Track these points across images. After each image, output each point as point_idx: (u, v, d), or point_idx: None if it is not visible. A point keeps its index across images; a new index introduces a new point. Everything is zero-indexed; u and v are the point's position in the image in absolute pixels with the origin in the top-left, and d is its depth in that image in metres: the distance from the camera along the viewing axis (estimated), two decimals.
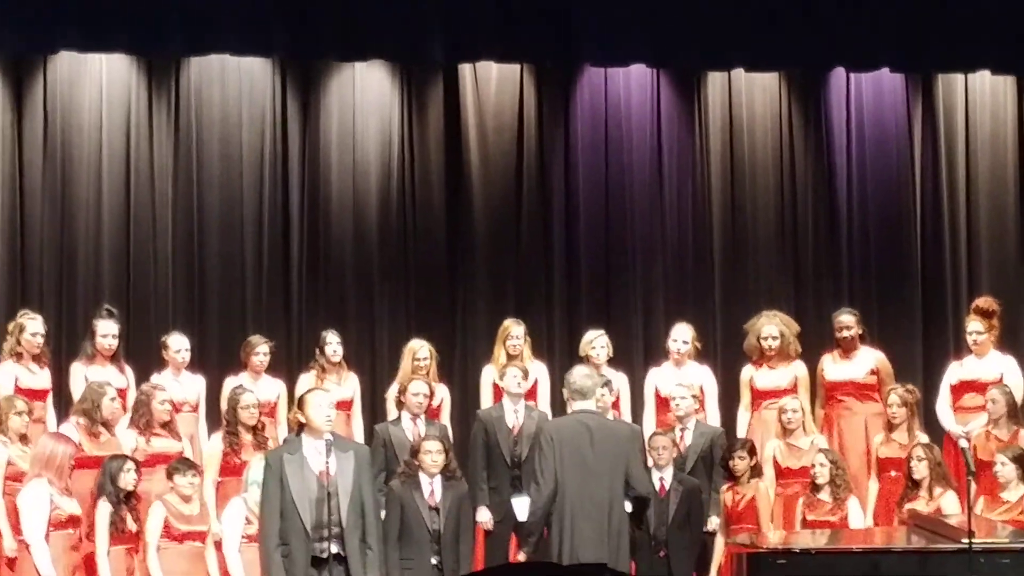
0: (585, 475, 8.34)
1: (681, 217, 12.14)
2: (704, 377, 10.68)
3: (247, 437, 9.83)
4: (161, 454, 9.59)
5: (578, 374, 8.70)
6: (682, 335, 10.65)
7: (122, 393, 10.04)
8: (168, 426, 9.78)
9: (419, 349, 10.49)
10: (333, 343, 10.58)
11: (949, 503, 9.48)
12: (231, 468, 9.76)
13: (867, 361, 10.71)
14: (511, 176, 12.01)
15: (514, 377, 9.95)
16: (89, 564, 9.07)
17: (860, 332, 10.73)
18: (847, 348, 10.69)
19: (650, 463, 9.55)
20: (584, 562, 8.26)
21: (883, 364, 10.72)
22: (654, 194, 12.08)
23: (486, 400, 10.51)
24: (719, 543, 9.74)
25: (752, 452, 9.93)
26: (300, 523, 8.01)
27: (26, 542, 8.84)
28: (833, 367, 10.75)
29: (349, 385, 10.64)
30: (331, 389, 9.71)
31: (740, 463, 9.80)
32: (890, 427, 10.18)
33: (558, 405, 10.34)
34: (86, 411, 9.59)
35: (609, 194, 12.04)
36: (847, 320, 10.70)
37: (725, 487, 9.88)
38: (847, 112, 12.27)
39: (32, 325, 10.02)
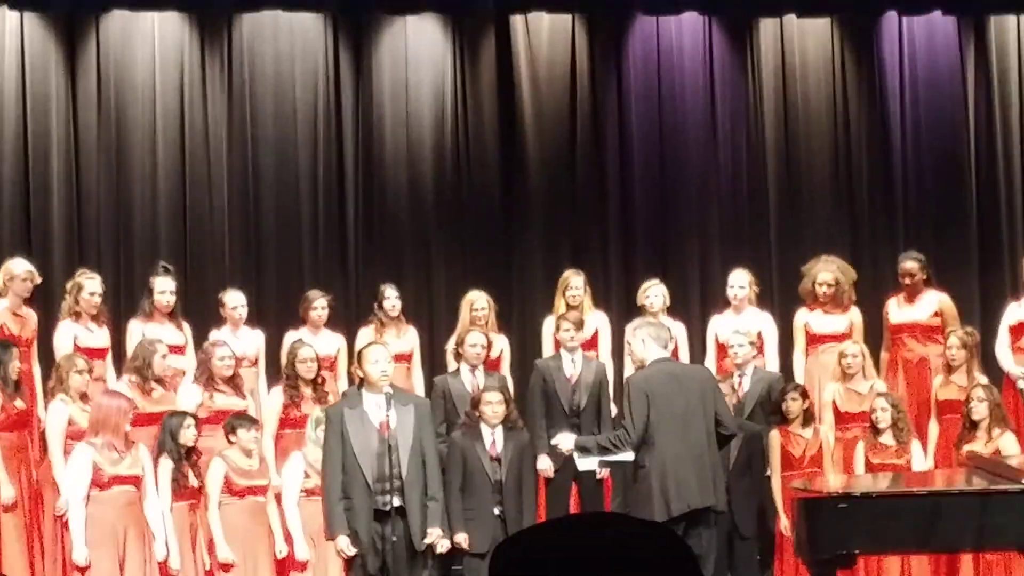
0: (684, 423, 8.35)
1: (735, 165, 12.06)
2: (763, 323, 10.60)
3: (307, 391, 9.77)
4: (225, 410, 9.53)
5: (649, 324, 8.81)
6: (739, 280, 10.59)
7: (180, 350, 10.05)
8: (231, 382, 9.74)
9: (476, 300, 10.45)
10: (392, 297, 10.55)
11: (1008, 444, 9.40)
12: (291, 422, 9.73)
13: (931, 303, 10.64)
14: (565, 127, 11.95)
15: (567, 331, 9.92)
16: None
17: (925, 276, 10.65)
18: (912, 292, 10.61)
19: None
20: (693, 507, 8.25)
21: (947, 306, 10.63)
22: (708, 142, 12.01)
23: (548, 350, 10.46)
24: (776, 488, 9.65)
25: (805, 395, 9.79)
26: (362, 477, 8.11)
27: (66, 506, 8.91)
28: (898, 310, 10.67)
29: (408, 338, 10.61)
30: (390, 343, 9.70)
31: (793, 404, 9.66)
32: (949, 369, 10.11)
33: (617, 354, 10.43)
34: (137, 368, 9.57)
35: (663, 143, 11.99)
36: (912, 266, 10.60)
37: (777, 429, 9.76)
38: (900, 56, 12.19)
39: (90, 284, 9.99)
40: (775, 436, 9.70)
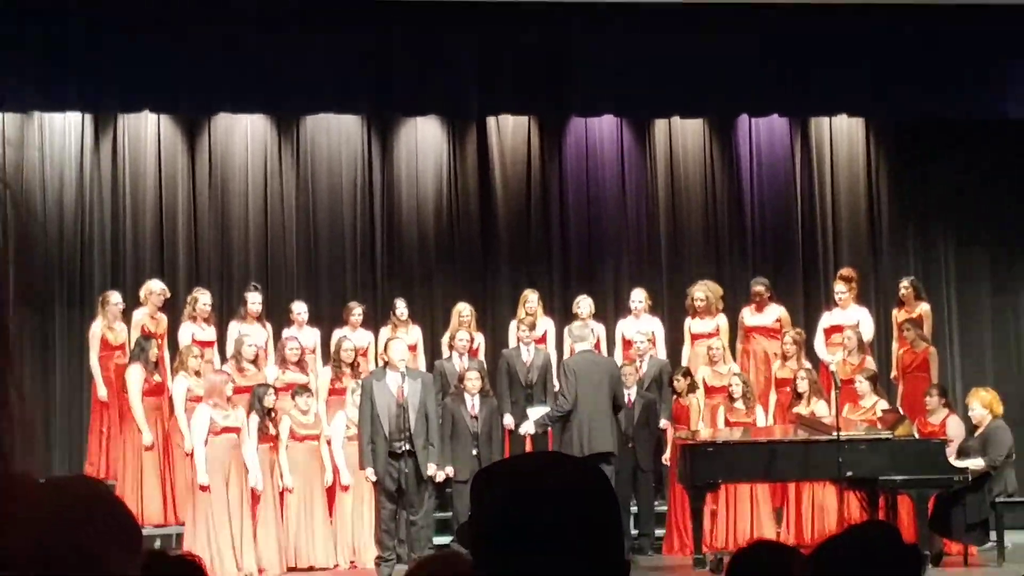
0: (596, 393, 8.37)
1: (639, 219, 11.72)
2: (655, 326, 10.45)
3: (347, 371, 9.64)
4: (293, 383, 9.41)
5: (576, 327, 9.00)
6: (639, 296, 10.44)
7: (264, 343, 9.92)
8: (298, 364, 9.63)
9: (463, 309, 10.32)
10: (401, 307, 10.35)
11: (822, 408, 9.31)
12: (336, 391, 9.60)
13: (773, 313, 10.59)
14: (523, 196, 11.68)
15: (524, 331, 9.87)
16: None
17: (769, 294, 10.60)
18: (760, 305, 10.56)
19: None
20: (598, 451, 8.21)
21: (784, 315, 10.58)
22: (619, 205, 11.69)
23: (512, 344, 10.28)
24: (670, 437, 9.58)
25: (687, 375, 9.79)
26: (382, 430, 8.06)
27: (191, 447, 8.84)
28: (750, 317, 10.56)
29: (414, 335, 10.40)
30: (403, 338, 9.57)
31: (680, 383, 9.69)
32: (784, 357, 10.00)
33: (558, 347, 10.35)
34: (235, 355, 9.56)
35: (590, 206, 11.65)
36: (759, 288, 10.55)
37: (672, 399, 9.75)
38: (751, 146, 11.83)
39: (203, 297, 9.98)
40: (670, 402, 9.70)
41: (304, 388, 9.24)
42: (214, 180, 11.25)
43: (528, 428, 9.14)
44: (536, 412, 9.34)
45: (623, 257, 11.71)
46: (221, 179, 11.28)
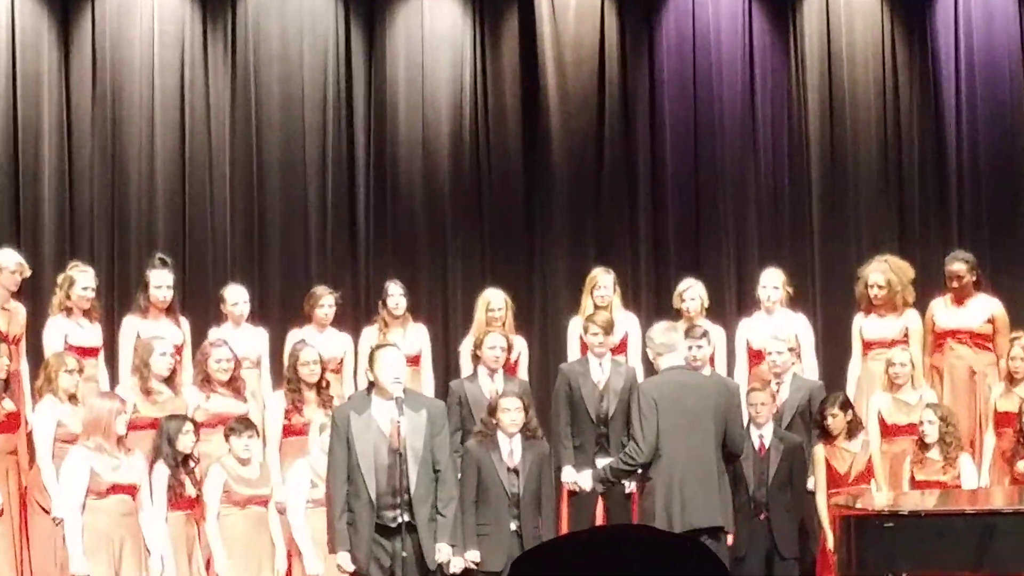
0: (691, 436, 8.36)
1: (776, 155, 12.04)
2: (798, 326, 10.53)
3: (310, 395, 9.76)
4: (223, 414, 9.56)
5: (659, 329, 8.75)
6: (772, 280, 10.53)
7: (178, 349, 10.00)
8: (231, 384, 9.74)
9: (493, 299, 10.42)
10: (396, 295, 10.53)
11: None
12: (294, 428, 9.72)
13: (983, 308, 10.46)
14: (592, 113, 11.92)
15: (595, 334, 9.88)
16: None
17: (975, 278, 10.47)
18: (960, 295, 10.44)
19: (746, 420, 9.40)
20: (698, 527, 8.23)
21: (1000, 313, 10.46)
22: (746, 131, 11.99)
23: (573, 354, 10.44)
24: (821, 504, 9.65)
25: (845, 407, 9.71)
26: (365, 491, 8.06)
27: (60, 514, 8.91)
28: (945, 313, 10.49)
29: (415, 338, 10.60)
30: (398, 344, 9.52)
31: (834, 421, 9.59)
32: (1011, 379, 9.97)
33: (648, 359, 10.18)
34: (137, 368, 9.57)
35: (697, 131, 11.98)
36: (959, 268, 10.42)
37: (826, 446, 9.74)
38: (955, 38, 12.07)
39: (82, 278, 9.99)
40: (819, 451, 9.65)
41: (244, 423, 9.31)
42: (99, 89, 11.39)
43: (584, 482, 9.11)
44: (586, 479, 9.13)
45: (751, 216, 11.98)
46: (110, 88, 11.42)
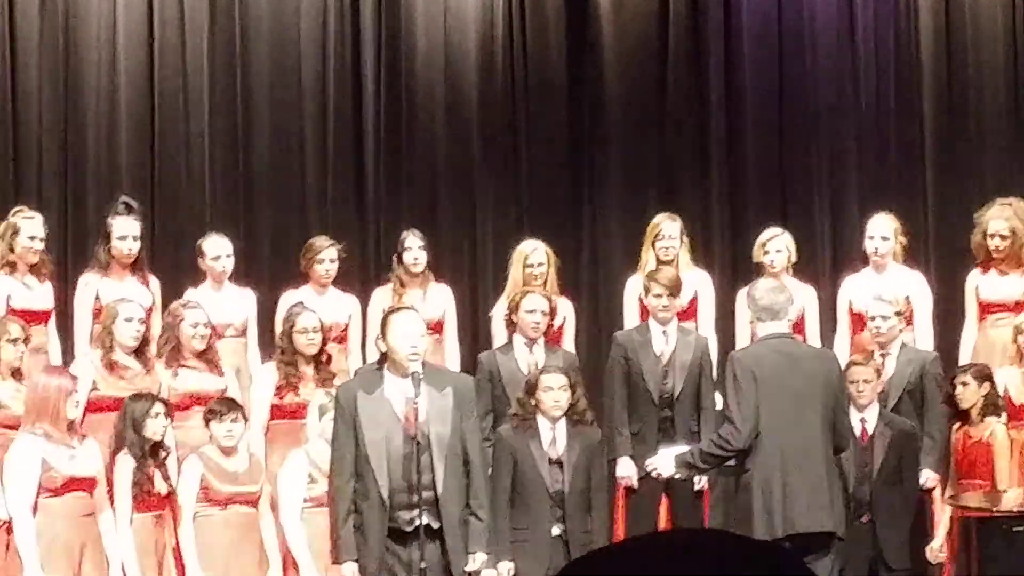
0: (797, 419, 8.40)
1: (880, 79, 12.02)
2: (913, 286, 10.61)
3: (307, 370, 9.79)
4: (198, 393, 9.62)
5: (764, 288, 8.83)
6: (881, 230, 10.55)
7: (148, 313, 9.99)
8: (205, 357, 9.79)
9: (533, 253, 10.50)
10: (414, 247, 10.61)
11: None
12: (287, 410, 9.75)
13: None
14: (653, 21, 11.98)
15: (658, 296, 9.94)
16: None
17: None
18: None
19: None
20: (803, 531, 8.31)
21: None
22: (844, 50, 12.01)
23: (630, 320, 10.45)
24: (938, 503, 9.73)
25: (983, 378, 9.72)
26: (375, 487, 8.08)
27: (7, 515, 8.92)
28: None
29: (438, 301, 10.69)
30: (416, 307, 9.51)
31: (964, 391, 9.61)
32: None
33: (723, 327, 10.68)
34: (99, 337, 9.63)
35: (783, 48, 12.09)
36: None
37: (956, 427, 9.73)
38: None
39: (28, 226, 10.03)
40: (954, 437, 9.68)
41: (227, 403, 9.35)
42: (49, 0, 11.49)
43: (664, 466, 9.00)
44: (666, 461, 9.08)
45: (849, 153, 11.92)
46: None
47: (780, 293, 8.81)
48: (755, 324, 8.82)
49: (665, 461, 8.92)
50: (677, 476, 8.95)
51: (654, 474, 9.19)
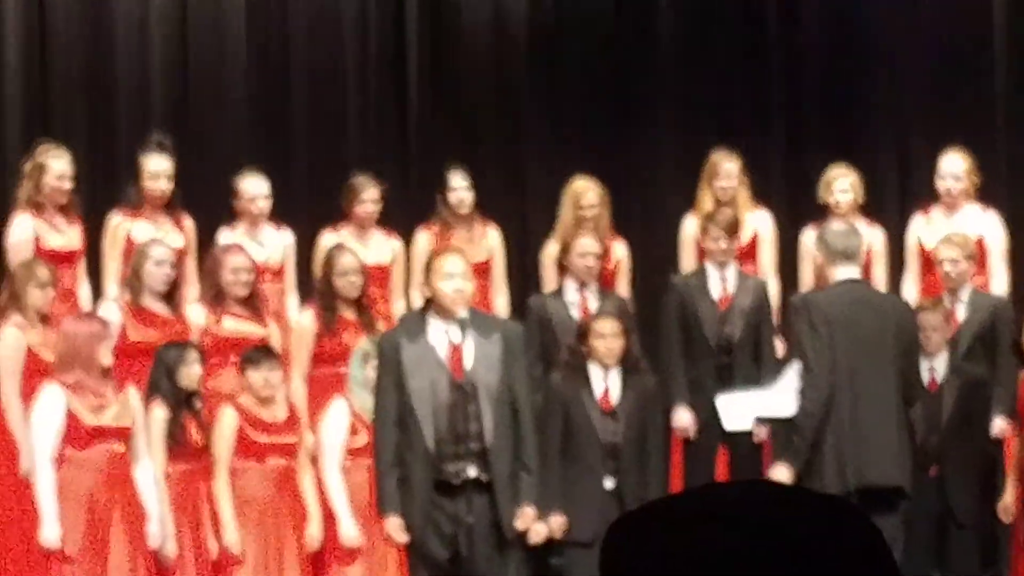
0: (870, 369, 8.42)
1: (947, 4, 11.91)
2: (986, 227, 10.58)
3: (349, 314, 9.80)
4: (238, 339, 9.63)
5: (838, 230, 8.97)
6: (953, 168, 10.51)
7: (180, 255, 10.08)
8: (248, 302, 9.80)
9: (585, 192, 10.47)
10: (460, 188, 10.60)
11: None
12: (327, 356, 9.77)
13: None
14: None
15: (716, 238, 9.98)
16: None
17: None
18: None
19: None
20: (875, 484, 8.34)
21: None
22: None
23: (687, 263, 10.51)
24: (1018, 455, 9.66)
25: None
26: (422, 438, 8.09)
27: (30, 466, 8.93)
28: None
29: (485, 243, 10.72)
30: (463, 249, 9.55)
31: None
32: None
33: (784, 269, 10.75)
34: (127, 280, 9.66)
35: None
36: None
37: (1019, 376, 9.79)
38: None
39: (56, 164, 10.00)
40: (1012, 381, 9.61)
41: (264, 351, 9.36)
42: None
43: (739, 423, 9.09)
44: (740, 402, 9.23)
45: (916, 84, 11.85)
46: None
47: (854, 236, 8.89)
48: (827, 267, 8.82)
49: (738, 414, 9.06)
50: (757, 432, 9.10)
51: (690, 435, 9.50)
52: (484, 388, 8.14)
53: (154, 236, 9.85)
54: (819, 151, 11.42)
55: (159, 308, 9.56)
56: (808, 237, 10.29)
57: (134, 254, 9.68)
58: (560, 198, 10.58)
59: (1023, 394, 9.71)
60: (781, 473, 8.84)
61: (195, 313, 9.74)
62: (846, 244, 8.78)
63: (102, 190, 10.82)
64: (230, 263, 9.69)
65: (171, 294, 9.60)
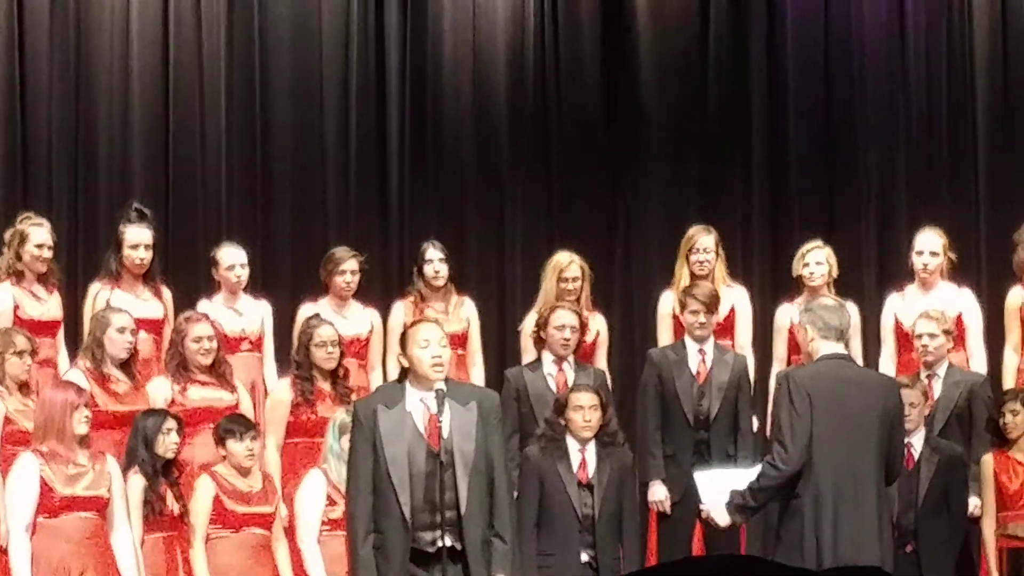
0: (851, 446, 8.33)
1: (931, 85, 12.05)
2: (963, 304, 10.58)
3: (325, 386, 9.82)
4: (206, 408, 9.64)
5: (825, 305, 8.81)
6: (929, 245, 10.52)
7: (157, 326, 10.16)
8: (215, 371, 9.79)
9: (567, 266, 10.50)
10: (435, 260, 10.64)
11: None
12: (303, 427, 9.77)
13: None
14: (693, 24, 12.01)
15: (694, 312, 9.92)
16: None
17: None
18: None
19: None
20: (850, 564, 8.17)
21: None
22: (893, 49, 12.03)
23: (664, 337, 10.50)
24: (988, 534, 9.69)
25: None
26: (397, 506, 7.99)
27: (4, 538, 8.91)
28: None
29: (460, 314, 10.72)
30: (439, 320, 9.46)
31: (1014, 420, 9.70)
32: None
33: (761, 344, 10.72)
34: (89, 348, 9.63)
35: (829, 53, 12.10)
36: None
37: (995, 452, 9.80)
38: None
39: (36, 234, 10.06)
40: (988, 462, 9.65)
41: (243, 421, 9.33)
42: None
43: (717, 514, 8.86)
44: (718, 479, 9.09)
45: (897, 163, 11.96)
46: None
47: (843, 312, 8.77)
48: (814, 343, 8.62)
49: (715, 509, 8.83)
50: (736, 522, 8.84)
51: (664, 509, 9.49)
52: (460, 457, 7.95)
53: (124, 306, 9.81)
54: (799, 228, 11.46)
55: (120, 376, 9.57)
56: (783, 311, 10.42)
57: (93, 322, 9.66)
58: (539, 271, 10.58)
59: (999, 472, 9.71)
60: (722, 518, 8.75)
61: (157, 385, 9.69)
62: (839, 320, 8.63)
63: (83, 260, 10.88)
64: (192, 332, 9.68)
65: (129, 363, 9.58)
